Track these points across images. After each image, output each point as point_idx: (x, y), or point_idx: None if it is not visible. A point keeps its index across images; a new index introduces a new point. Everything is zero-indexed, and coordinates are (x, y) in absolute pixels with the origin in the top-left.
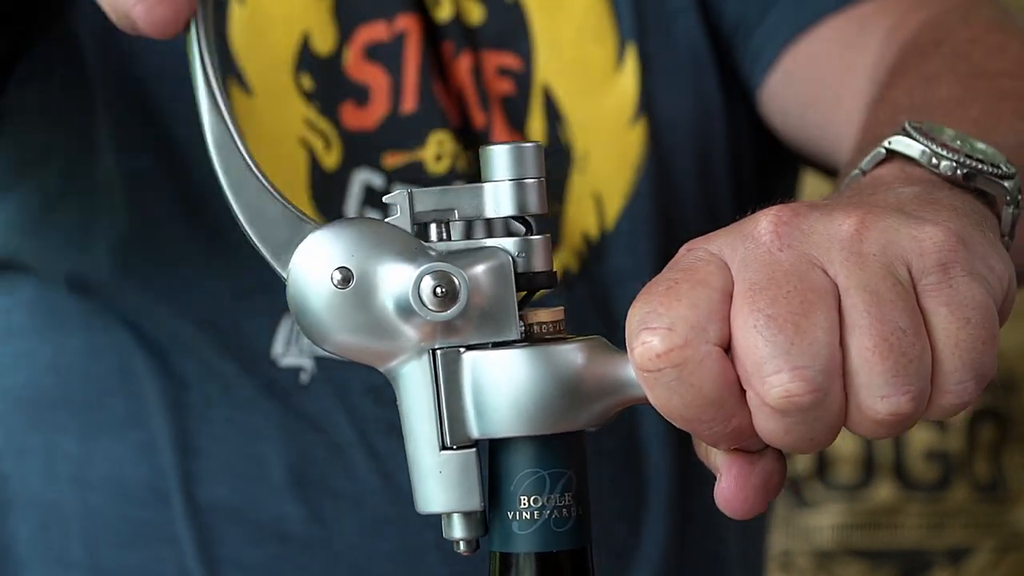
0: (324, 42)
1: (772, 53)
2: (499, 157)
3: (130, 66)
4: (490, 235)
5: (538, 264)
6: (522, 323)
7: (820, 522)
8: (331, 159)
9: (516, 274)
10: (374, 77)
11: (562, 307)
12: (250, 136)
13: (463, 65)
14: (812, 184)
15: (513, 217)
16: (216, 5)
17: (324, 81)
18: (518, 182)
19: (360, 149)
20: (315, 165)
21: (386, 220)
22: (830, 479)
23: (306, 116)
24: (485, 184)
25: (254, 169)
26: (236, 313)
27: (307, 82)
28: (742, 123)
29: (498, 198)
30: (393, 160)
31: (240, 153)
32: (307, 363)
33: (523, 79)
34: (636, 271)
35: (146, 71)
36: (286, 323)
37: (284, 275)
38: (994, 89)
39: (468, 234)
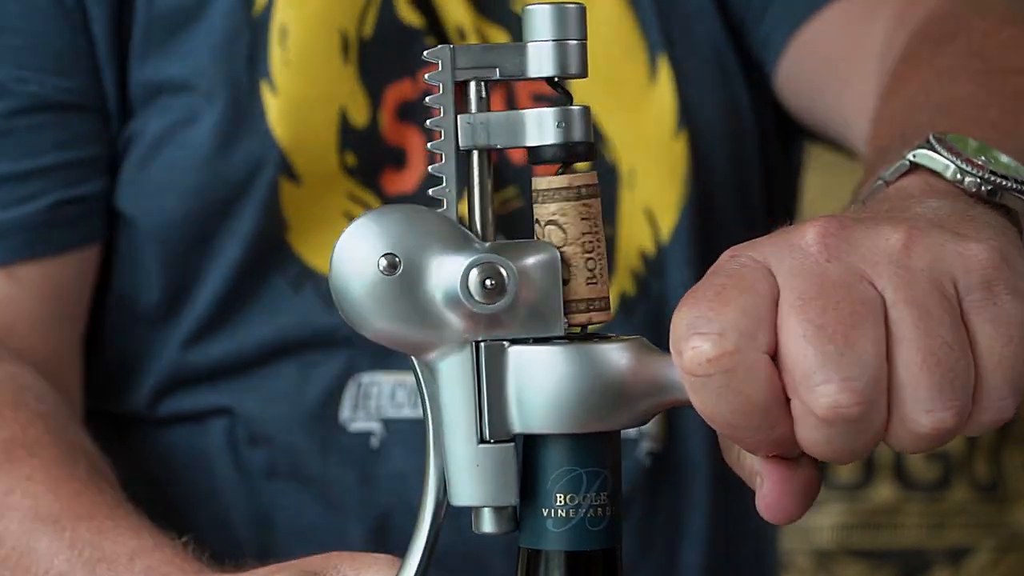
0: (359, 113)
1: (782, 38)
2: (543, 17)
3: None
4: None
5: (577, 134)
6: (566, 320)
7: (820, 522)
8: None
9: (554, 145)
10: (408, 138)
11: (595, 172)
12: (299, 220)
13: (495, 100)
14: (816, 175)
15: (552, 79)
16: None
17: (365, 153)
18: (560, 43)
19: None
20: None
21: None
22: (830, 479)
23: (350, 191)
24: (528, 43)
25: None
26: (301, 381)
27: (351, 159)
28: (766, 114)
29: (540, 58)
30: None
31: None
32: (376, 427)
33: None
34: (695, 282)
35: None
36: (351, 388)
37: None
38: (1009, 87)
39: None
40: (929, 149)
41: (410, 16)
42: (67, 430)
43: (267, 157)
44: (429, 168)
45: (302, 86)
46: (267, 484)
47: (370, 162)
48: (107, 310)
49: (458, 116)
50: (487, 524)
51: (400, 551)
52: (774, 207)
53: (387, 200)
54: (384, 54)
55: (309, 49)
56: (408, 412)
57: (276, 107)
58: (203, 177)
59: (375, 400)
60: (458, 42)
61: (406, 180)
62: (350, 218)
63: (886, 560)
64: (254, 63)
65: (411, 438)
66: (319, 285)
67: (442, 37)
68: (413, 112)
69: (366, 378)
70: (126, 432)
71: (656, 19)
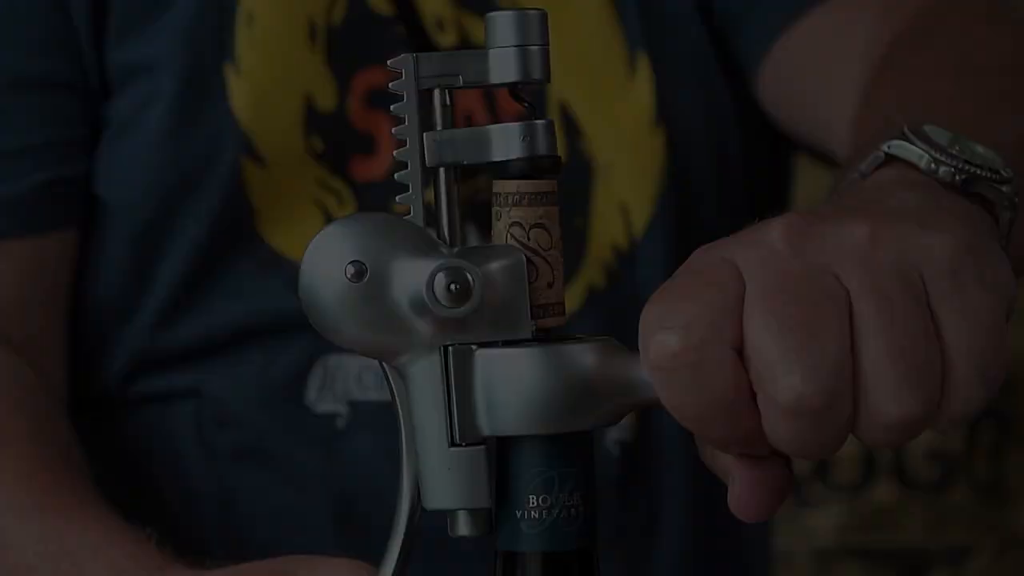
0: (326, 99)
1: (764, 44)
2: (504, 23)
3: None
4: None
5: (542, 148)
6: (534, 322)
7: (820, 522)
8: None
9: (521, 159)
10: (378, 125)
11: (555, 180)
12: (266, 204)
13: (472, 91)
14: (804, 178)
15: (516, 91)
16: None
17: (332, 139)
18: (522, 48)
19: (372, 200)
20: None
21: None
22: (830, 479)
23: (319, 177)
24: (490, 50)
25: None
26: (267, 363)
27: (317, 143)
28: (751, 118)
29: (503, 64)
30: (402, 207)
31: None
32: (342, 408)
33: (537, 97)
34: (668, 278)
35: None
36: (318, 369)
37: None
38: (985, 85)
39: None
40: (904, 140)
41: (380, 5)
42: (47, 420)
43: (228, 136)
44: (395, 176)
45: (267, 68)
46: (233, 465)
47: (338, 147)
48: (75, 292)
49: (424, 134)
50: (463, 527)
51: (365, 533)
52: (762, 210)
53: (357, 187)
54: (353, 42)
55: (276, 33)
56: (374, 395)
57: (239, 88)
58: (164, 154)
59: (341, 382)
60: (435, 32)
61: (376, 167)
62: (320, 205)
63: (886, 560)
64: (220, 44)
65: (377, 420)
66: (286, 270)
67: (414, 26)
68: (382, 99)
69: (333, 360)
70: (96, 413)
71: (638, 17)
